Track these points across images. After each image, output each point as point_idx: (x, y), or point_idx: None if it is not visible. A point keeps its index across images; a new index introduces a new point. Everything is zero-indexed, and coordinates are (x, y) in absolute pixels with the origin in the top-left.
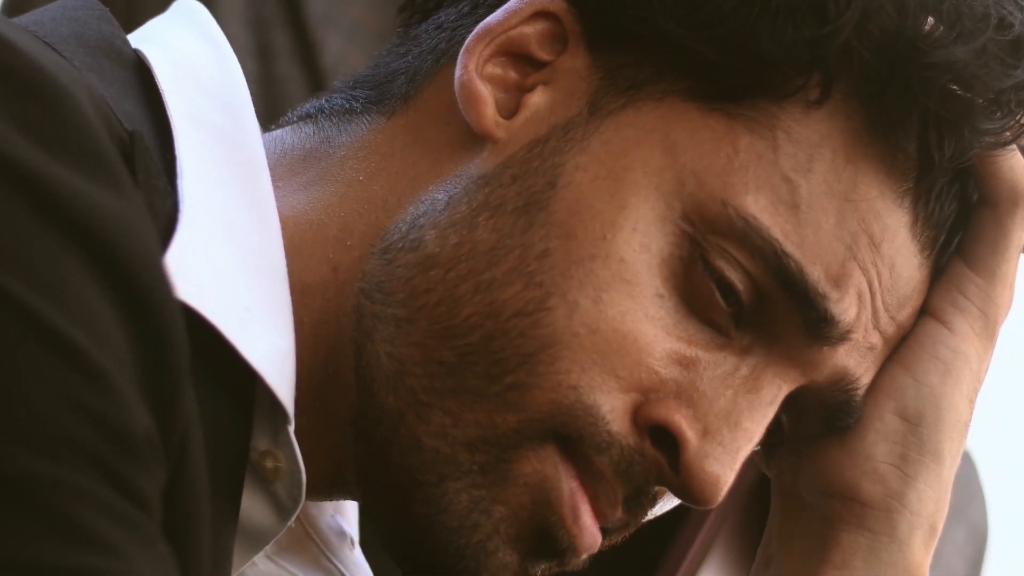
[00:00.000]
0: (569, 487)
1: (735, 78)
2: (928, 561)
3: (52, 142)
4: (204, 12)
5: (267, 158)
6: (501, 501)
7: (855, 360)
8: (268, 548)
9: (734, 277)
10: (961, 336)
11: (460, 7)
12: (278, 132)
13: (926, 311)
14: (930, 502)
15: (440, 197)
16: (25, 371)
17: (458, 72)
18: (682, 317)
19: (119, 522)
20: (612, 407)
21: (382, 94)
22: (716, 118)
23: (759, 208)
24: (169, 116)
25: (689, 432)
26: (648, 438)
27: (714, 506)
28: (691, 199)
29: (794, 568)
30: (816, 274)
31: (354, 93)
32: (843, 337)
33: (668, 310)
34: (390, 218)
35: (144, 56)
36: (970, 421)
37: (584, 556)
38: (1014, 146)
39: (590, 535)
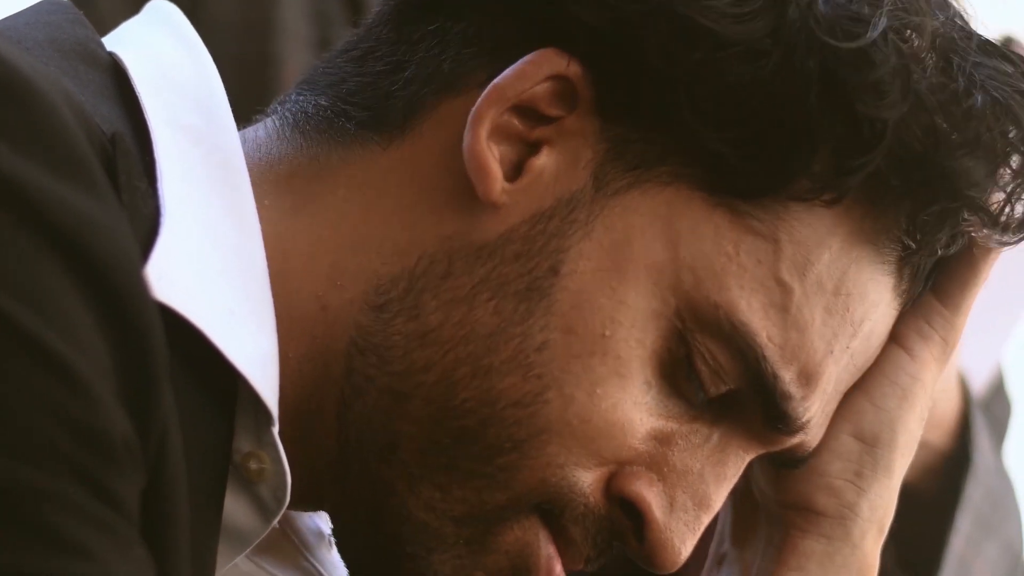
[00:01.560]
0: (547, 552)
1: (751, 181)
2: (878, 554)
3: (29, 146)
4: (177, 13)
5: (251, 165)
6: (482, 568)
7: (812, 435)
8: None
9: (709, 381)
10: (921, 363)
11: (465, 27)
12: (262, 136)
13: (890, 337)
14: (880, 508)
15: (439, 259)
16: (2, 376)
17: (467, 140)
18: (664, 397)
19: (95, 526)
20: (590, 481)
21: (377, 119)
22: (721, 213)
23: (751, 314)
24: (146, 119)
25: (657, 511)
26: (617, 506)
27: (670, 573)
28: (685, 298)
29: (749, 569)
30: (788, 377)
31: (345, 109)
32: (798, 431)
33: (653, 395)
34: (385, 266)
35: (119, 59)
36: (919, 435)
37: None
38: None
39: None
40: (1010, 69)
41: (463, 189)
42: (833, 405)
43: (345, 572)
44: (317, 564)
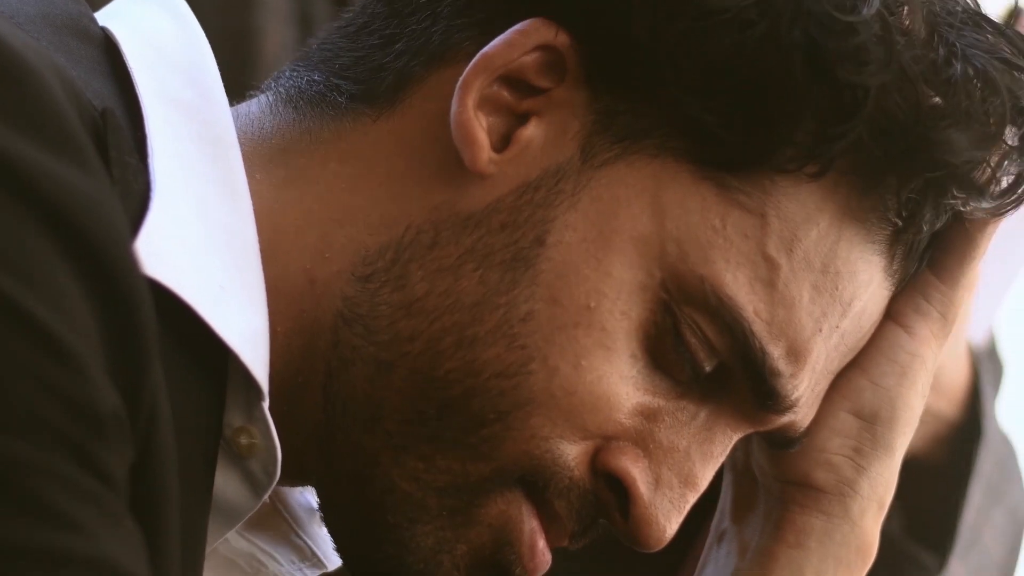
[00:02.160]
0: (530, 526)
1: (736, 152)
2: (878, 532)
3: (19, 121)
4: None
5: (243, 140)
6: (464, 540)
7: (802, 414)
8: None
9: (700, 352)
10: (920, 340)
11: (455, 0)
12: (255, 111)
13: (887, 314)
14: (880, 486)
15: (426, 230)
16: None
17: (455, 108)
18: (650, 371)
19: (84, 499)
20: (576, 455)
21: (368, 91)
22: (708, 186)
23: (736, 287)
24: (138, 94)
25: (642, 486)
26: (603, 481)
27: (656, 551)
28: (671, 270)
29: (747, 545)
30: (777, 352)
31: (338, 83)
32: (788, 409)
33: (639, 368)
34: (372, 237)
35: (112, 34)
36: (920, 412)
37: None
38: None
39: (544, 565)
40: (993, 39)
41: (451, 160)
42: (823, 385)
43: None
44: (308, 540)
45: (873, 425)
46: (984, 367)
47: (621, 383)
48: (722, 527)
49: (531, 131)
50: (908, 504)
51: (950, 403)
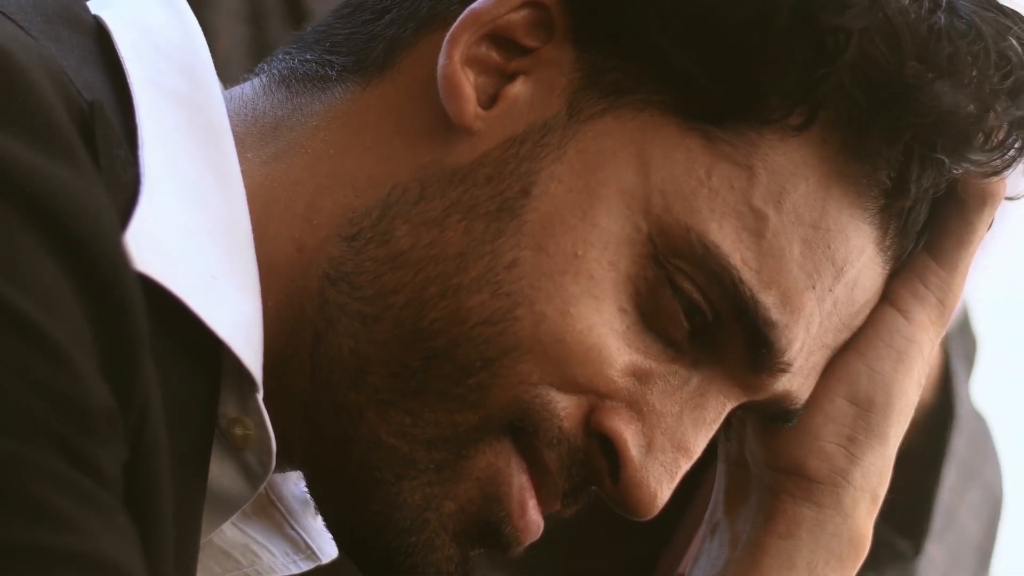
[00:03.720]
0: (519, 482)
1: (721, 103)
2: (871, 525)
3: (5, 119)
4: None
5: (236, 122)
6: (451, 497)
7: (797, 383)
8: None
9: (700, 299)
10: (917, 325)
11: None
12: (248, 93)
13: (885, 298)
14: (874, 476)
15: (412, 187)
16: None
17: (442, 61)
18: (641, 330)
19: (77, 498)
20: (566, 406)
21: (359, 62)
22: (694, 138)
23: (722, 236)
24: (129, 83)
25: (633, 450)
26: (595, 442)
27: (647, 519)
28: (657, 222)
29: (739, 536)
30: (769, 301)
31: (330, 59)
32: (783, 369)
33: (629, 324)
34: (359, 199)
35: (103, 22)
36: (916, 402)
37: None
38: None
39: (535, 527)
40: None
41: (439, 119)
42: (819, 357)
43: (330, 538)
44: (302, 532)
45: (868, 412)
46: (954, 348)
47: (611, 336)
48: (715, 518)
49: (518, 88)
50: None
51: (923, 388)
